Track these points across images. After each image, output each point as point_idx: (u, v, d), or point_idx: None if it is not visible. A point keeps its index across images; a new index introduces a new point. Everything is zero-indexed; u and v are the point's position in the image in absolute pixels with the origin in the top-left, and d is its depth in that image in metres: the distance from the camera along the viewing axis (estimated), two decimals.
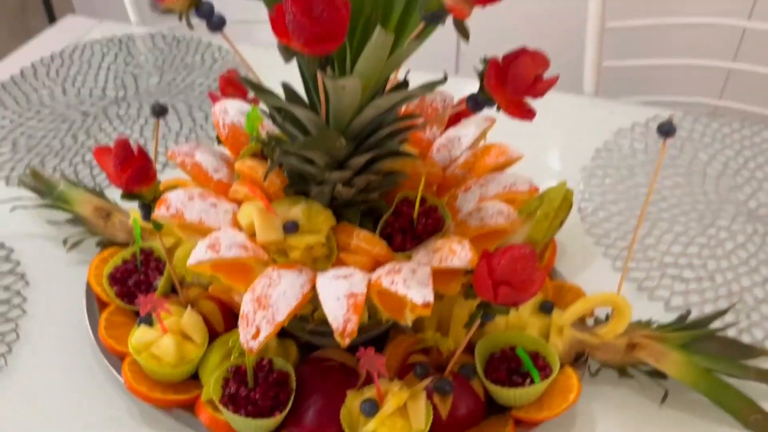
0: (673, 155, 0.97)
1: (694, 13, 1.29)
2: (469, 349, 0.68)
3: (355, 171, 0.57)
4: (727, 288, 0.79)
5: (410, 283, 0.51)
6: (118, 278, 0.75)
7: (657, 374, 0.68)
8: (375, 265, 0.58)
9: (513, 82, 0.45)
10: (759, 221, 0.86)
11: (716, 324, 0.70)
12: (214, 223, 0.57)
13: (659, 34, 1.42)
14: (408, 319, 0.55)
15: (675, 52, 1.28)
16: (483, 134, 0.69)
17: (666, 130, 0.61)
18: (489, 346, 0.67)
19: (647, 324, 0.69)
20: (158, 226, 0.63)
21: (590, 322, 0.71)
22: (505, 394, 0.63)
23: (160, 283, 0.74)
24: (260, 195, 0.55)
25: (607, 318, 0.70)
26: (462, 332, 0.67)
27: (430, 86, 0.51)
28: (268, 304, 0.52)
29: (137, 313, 0.73)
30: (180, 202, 0.57)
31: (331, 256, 0.58)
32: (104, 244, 0.81)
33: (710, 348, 0.68)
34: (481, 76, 0.48)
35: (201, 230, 0.58)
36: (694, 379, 0.65)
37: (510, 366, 0.64)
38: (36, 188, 0.86)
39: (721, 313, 0.70)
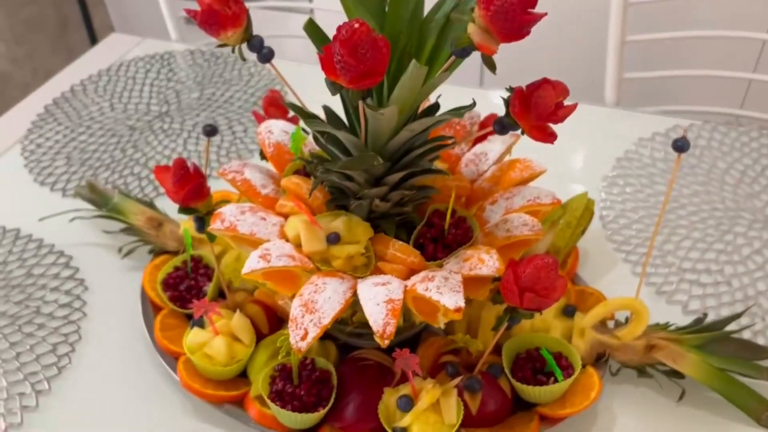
0: (692, 164, 1.00)
1: (713, 26, 1.33)
2: (497, 350, 0.73)
3: (390, 187, 0.63)
4: (743, 292, 0.83)
5: (443, 290, 0.57)
6: (170, 284, 0.81)
7: (674, 374, 0.72)
8: (410, 273, 0.63)
9: (536, 109, 0.50)
10: None
11: (732, 326, 0.74)
12: (264, 235, 0.63)
13: (679, 46, 1.46)
14: (440, 323, 0.60)
15: (695, 63, 1.32)
16: (508, 149, 0.74)
17: (680, 145, 0.66)
18: (515, 347, 0.72)
19: (665, 326, 0.74)
20: (212, 238, 0.69)
21: (611, 324, 0.75)
22: (531, 391, 0.67)
23: (210, 288, 0.80)
24: (305, 209, 0.61)
25: (627, 321, 0.75)
26: (490, 334, 0.72)
27: (458, 111, 0.56)
28: (314, 308, 0.57)
29: (189, 316, 0.80)
30: (233, 216, 0.63)
31: (369, 265, 0.63)
32: (156, 252, 0.87)
33: (726, 349, 0.72)
34: (507, 103, 0.54)
35: (252, 241, 0.64)
36: (709, 378, 0.70)
37: (535, 365, 0.69)
38: (92, 200, 0.93)
39: (736, 316, 0.74)
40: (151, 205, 0.91)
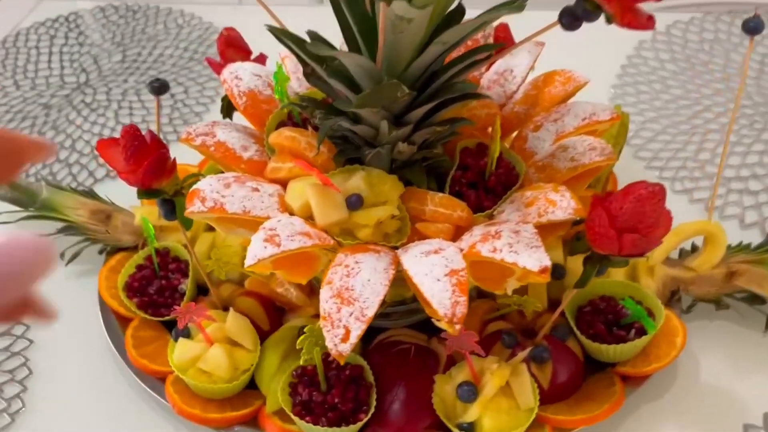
0: (704, 60, 0.89)
1: None
2: (550, 305, 0.61)
3: (414, 125, 0.48)
4: None
5: (518, 248, 0.43)
6: (135, 288, 0.65)
7: (755, 300, 0.62)
8: (456, 231, 0.49)
9: None
10: None
11: None
12: (261, 212, 0.47)
13: None
14: (508, 289, 0.47)
15: None
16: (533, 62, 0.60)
17: (753, 26, 0.54)
18: (576, 300, 0.59)
19: (738, 247, 0.63)
20: (188, 224, 0.53)
21: (673, 255, 0.64)
22: (612, 351, 0.56)
23: (187, 285, 0.64)
24: (314, 169, 0.45)
25: (694, 249, 0.63)
26: (542, 289, 0.60)
27: (509, 5, 0.42)
28: (352, 297, 0.43)
29: (168, 324, 0.64)
30: (216, 191, 0.47)
31: (404, 230, 0.49)
32: (109, 251, 0.70)
33: None
34: None
35: (247, 222, 0.48)
36: None
37: (607, 318, 0.57)
38: (15, 199, 0.74)
39: None
40: (91, 194, 0.73)
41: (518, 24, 0.56)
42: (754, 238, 0.70)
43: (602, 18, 0.40)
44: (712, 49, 0.91)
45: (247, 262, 0.44)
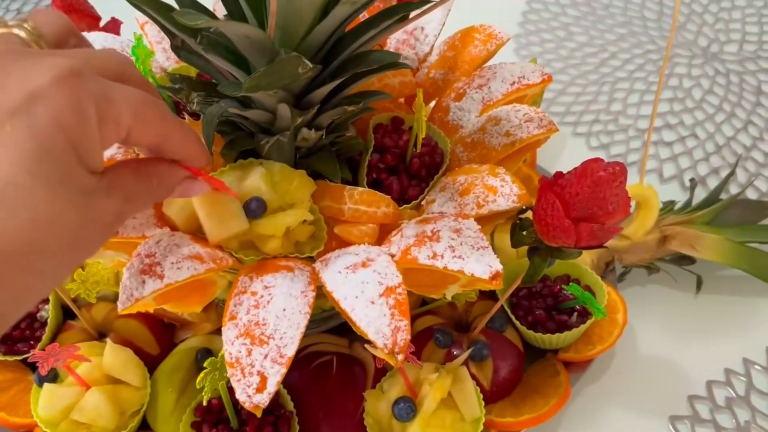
0: (605, 3, 0.85)
1: None
2: (481, 291, 0.54)
3: (319, 106, 0.39)
4: (714, 142, 0.70)
5: (462, 251, 0.36)
6: None
7: (684, 259, 0.58)
8: (381, 231, 0.41)
9: None
10: (715, 60, 0.78)
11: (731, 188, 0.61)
12: (133, 231, 0.37)
13: None
14: (448, 295, 0.40)
15: None
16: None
17: None
18: (509, 282, 0.53)
19: (667, 209, 0.59)
20: None
21: None
22: (554, 339, 0.50)
23: (49, 312, 0.52)
24: (198, 171, 0.35)
25: None
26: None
27: None
28: (265, 334, 0.34)
29: (29, 362, 0.52)
30: None
31: (319, 234, 0.40)
32: None
33: (731, 218, 0.60)
34: None
35: (115, 245, 0.38)
36: (733, 256, 0.57)
37: (546, 303, 0.52)
38: None
39: (729, 176, 0.62)
40: None
41: None
42: (674, 192, 0.67)
43: None
44: None
45: (121, 303, 0.33)
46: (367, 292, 0.34)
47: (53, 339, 0.53)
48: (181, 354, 0.51)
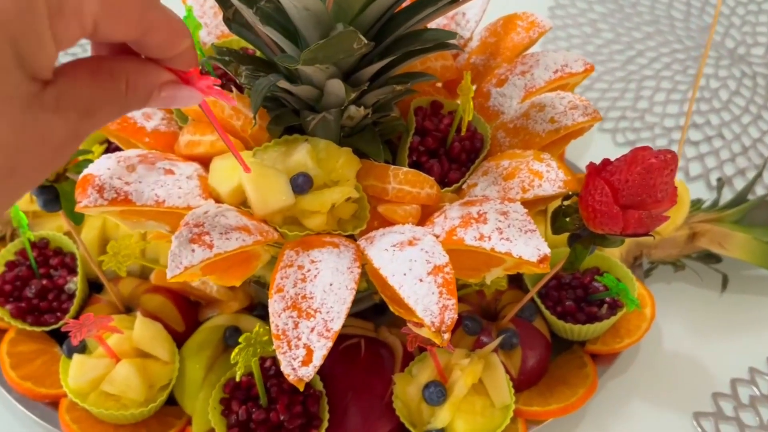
0: (632, 1, 0.85)
1: None
2: (512, 281, 0.54)
3: (368, 83, 0.39)
4: (740, 143, 0.70)
5: (509, 234, 0.36)
6: (8, 291, 0.52)
7: (710, 258, 0.59)
8: (424, 212, 0.41)
9: None
10: (742, 62, 0.78)
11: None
12: (179, 201, 0.37)
13: None
14: (488, 279, 0.40)
15: None
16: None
17: None
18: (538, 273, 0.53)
19: (697, 206, 0.59)
20: (78, 220, 0.41)
21: None
22: (584, 331, 0.50)
23: (76, 285, 0.52)
24: (187, 74, 0.30)
25: None
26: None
27: None
28: (312, 308, 0.34)
29: (53, 333, 0.52)
30: (117, 178, 0.36)
31: (361, 214, 0.40)
32: None
33: (759, 218, 0.60)
34: None
35: (162, 214, 0.38)
36: (761, 256, 0.57)
37: (576, 294, 0.52)
38: None
39: (757, 176, 0.62)
40: None
41: None
42: (700, 190, 0.67)
43: None
44: None
45: (171, 271, 0.33)
46: (415, 270, 0.34)
47: (80, 312, 0.52)
48: (209, 331, 0.51)
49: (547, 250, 0.35)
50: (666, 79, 0.76)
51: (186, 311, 0.53)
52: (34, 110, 0.22)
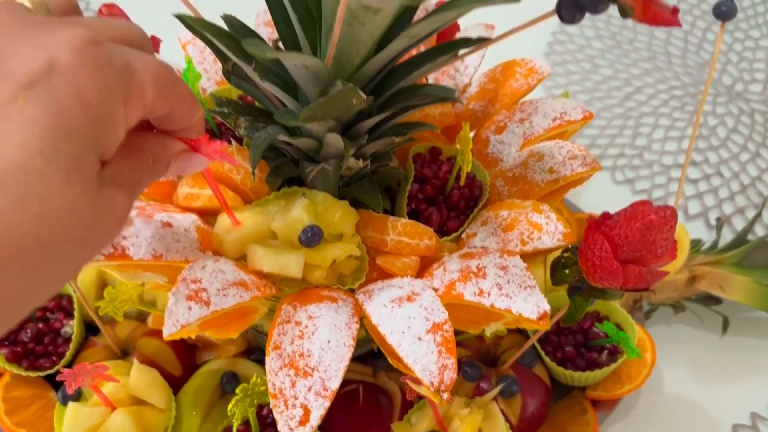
0: (630, 38, 0.85)
1: None
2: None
3: (367, 135, 0.39)
4: (738, 181, 0.70)
5: (509, 290, 0.35)
6: (4, 335, 0.51)
7: (710, 300, 0.58)
8: (422, 263, 0.41)
9: None
10: (740, 99, 0.78)
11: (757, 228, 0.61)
12: (177, 255, 0.37)
13: None
14: (488, 332, 0.40)
15: None
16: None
17: (724, 11, 0.48)
18: None
19: (696, 249, 0.59)
20: None
21: None
22: (584, 377, 0.50)
23: (74, 328, 0.52)
24: (196, 142, 0.30)
25: None
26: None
27: None
28: (309, 366, 0.34)
29: (49, 378, 0.51)
30: None
31: (362, 266, 0.40)
32: None
33: (759, 259, 0.59)
34: None
35: (156, 268, 0.37)
36: (761, 299, 0.56)
37: (576, 339, 0.52)
38: None
39: (756, 217, 0.62)
40: None
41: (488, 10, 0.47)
42: (699, 230, 0.67)
43: None
44: (636, 25, 0.87)
45: (167, 330, 0.33)
46: (413, 328, 0.34)
47: (76, 355, 0.52)
48: (205, 376, 0.51)
49: (547, 307, 0.35)
50: (664, 116, 0.76)
51: (183, 354, 0.53)
52: (102, 187, 0.24)
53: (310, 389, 0.33)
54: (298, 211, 0.38)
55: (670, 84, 0.80)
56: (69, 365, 0.51)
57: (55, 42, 0.23)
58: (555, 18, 0.34)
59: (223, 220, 0.37)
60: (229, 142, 0.41)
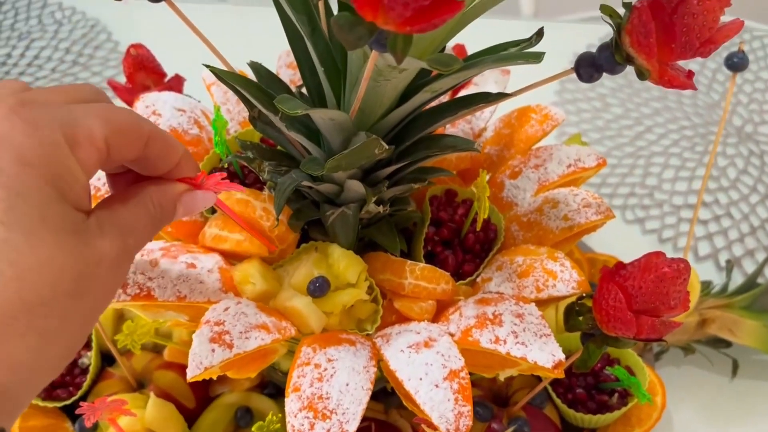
0: None
1: None
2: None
3: (389, 180, 0.40)
4: (748, 223, 0.71)
5: (525, 338, 0.36)
6: None
7: (720, 342, 0.59)
8: (438, 307, 0.41)
9: (686, 32, 0.29)
10: (750, 141, 0.79)
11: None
12: (200, 297, 0.37)
13: None
14: (502, 377, 0.40)
15: None
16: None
17: (736, 62, 0.49)
18: None
19: (707, 290, 0.60)
20: None
21: None
22: (594, 420, 0.50)
23: (91, 359, 0.53)
24: (195, 180, 0.32)
25: None
26: None
27: (523, 44, 0.34)
28: (328, 409, 0.34)
29: (66, 409, 0.52)
30: (140, 273, 0.37)
31: (378, 312, 0.41)
32: None
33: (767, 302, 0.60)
34: (620, 25, 0.32)
35: (179, 308, 0.38)
36: None
37: (586, 381, 0.52)
38: None
39: (766, 260, 0.63)
40: None
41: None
42: (709, 271, 0.67)
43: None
44: None
45: (191, 371, 0.34)
46: (431, 375, 0.35)
47: (92, 386, 0.53)
48: (220, 410, 0.51)
49: (562, 356, 0.36)
50: (674, 156, 0.77)
51: (197, 387, 0.53)
52: (83, 236, 0.24)
53: (328, 431, 0.34)
54: (308, 266, 0.39)
55: (680, 124, 0.81)
56: (85, 396, 0.52)
57: None
58: (566, 55, 0.35)
59: (244, 271, 0.39)
60: (252, 185, 0.42)
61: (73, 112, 0.25)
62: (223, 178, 0.32)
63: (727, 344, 0.59)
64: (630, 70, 0.33)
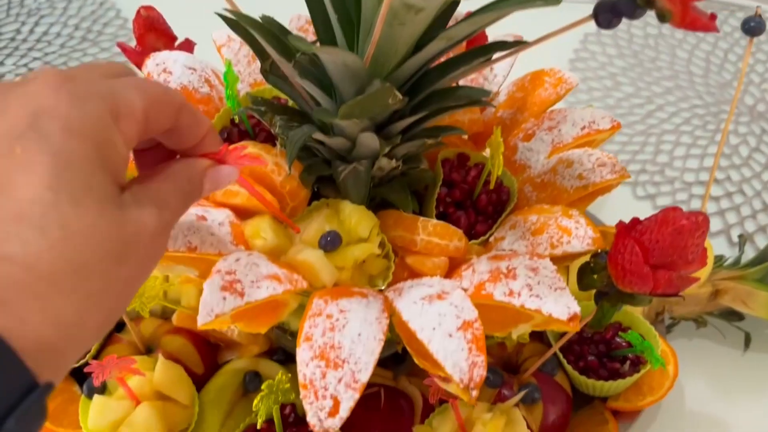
0: (652, 56, 0.86)
1: None
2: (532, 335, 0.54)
3: (401, 136, 0.40)
4: (761, 200, 0.70)
5: (539, 291, 0.36)
6: None
7: (733, 315, 0.58)
8: (451, 264, 0.41)
9: None
10: (762, 119, 0.78)
11: None
12: (211, 248, 0.37)
13: None
14: (514, 335, 0.40)
15: None
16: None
17: (753, 26, 0.49)
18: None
19: (719, 263, 0.59)
20: None
21: None
22: (606, 387, 0.50)
23: None
24: (219, 154, 0.33)
25: None
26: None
27: None
28: (340, 358, 0.34)
29: (73, 372, 0.52)
30: None
31: (390, 267, 0.40)
32: None
33: None
34: None
35: (190, 260, 0.38)
36: None
37: (598, 349, 0.52)
38: None
39: None
40: None
41: (521, 15, 0.48)
42: (721, 247, 0.67)
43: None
44: (657, 44, 0.87)
45: (202, 318, 0.33)
46: (444, 325, 0.34)
47: (100, 351, 0.52)
48: (228, 375, 0.51)
49: (577, 309, 0.35)
50: (686, 134, 0.77)
51: (205, 353, 0.53)
52: (123, 208, 0.26)
53: (340, 380, 0.34)
54: (319, 221, 0.39)
55: (692, 103, 0.80)
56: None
57: (32, 92, 0.25)
58: (577, 35, 0.35)
59: (255, 227, 0.38)
60: (264, 143, 0.42)
61: (114, 84, 0.27)
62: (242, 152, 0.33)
63: (740, 317, 0.58)
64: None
